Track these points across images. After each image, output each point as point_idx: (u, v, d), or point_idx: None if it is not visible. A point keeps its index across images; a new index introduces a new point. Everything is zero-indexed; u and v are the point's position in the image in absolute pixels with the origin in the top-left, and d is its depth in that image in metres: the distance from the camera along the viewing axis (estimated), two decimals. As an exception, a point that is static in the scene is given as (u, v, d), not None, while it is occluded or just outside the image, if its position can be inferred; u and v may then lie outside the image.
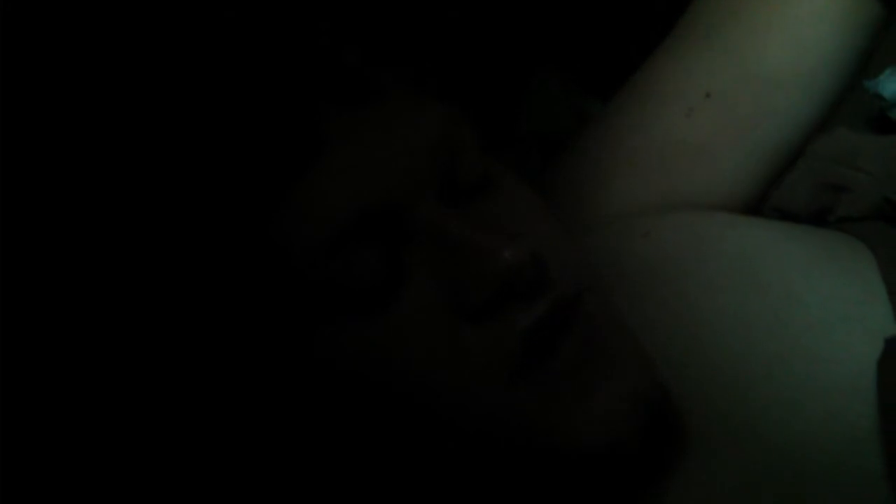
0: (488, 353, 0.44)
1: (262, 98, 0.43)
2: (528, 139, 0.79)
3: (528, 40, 0.82)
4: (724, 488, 0.48)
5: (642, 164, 0.60)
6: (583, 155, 0.65)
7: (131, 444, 0.46)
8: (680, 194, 0.59)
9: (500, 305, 0.44)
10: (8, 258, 0.43)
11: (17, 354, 0.44)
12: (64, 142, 0.43)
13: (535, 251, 0.44)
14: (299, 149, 0.43)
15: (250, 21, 0.45)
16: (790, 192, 0.62)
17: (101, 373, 0.45)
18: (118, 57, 0.44)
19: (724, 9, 0.58)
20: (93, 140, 0.43)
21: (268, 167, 0.42)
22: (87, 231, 0.43)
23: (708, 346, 0.52)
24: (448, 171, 0.45)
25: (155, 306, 0.44)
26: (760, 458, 0.49)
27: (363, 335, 0.43)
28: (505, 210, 0.47)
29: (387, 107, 0.45)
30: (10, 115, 0.43)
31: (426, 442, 0.45)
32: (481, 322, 0.44)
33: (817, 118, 0.59)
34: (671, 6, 0.65)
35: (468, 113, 0.48)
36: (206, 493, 0.46)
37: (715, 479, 0.49)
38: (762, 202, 0.63)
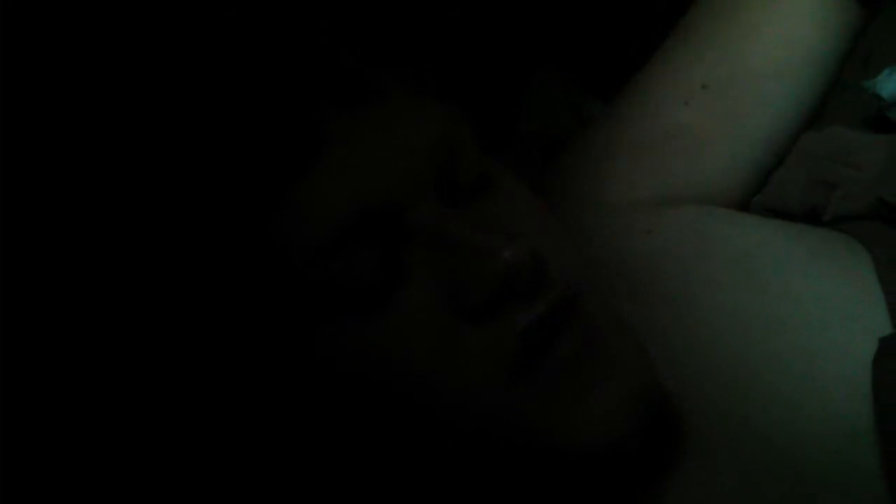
0: (488, 353, 0.44)
1: (263, 98, 0.43)
2: (529, 139, 0.79)
3: (528, 40, 0.82)
4: (724, 488, 0.48)
5: (640, 153, 0.61)
6: (582, 153, 0.65)
7: (131, 444, 0.46)
8: (678, 183, 0.60)
9: (500, 305, 0.44)
10: (8, 258, 0.43)
11: (17, 354, 0.44)
12: (64, 143, 0.43)
13: (535, 251, 0.44)
14: (299, 149, 0.43)
15: (250, 21, 0.45)
16: (783, 189, 0.62)
17: (101, 373, 0.45)
18: (118, 57, 0.44)
19: (719, 10, 0.62)
20: (92, 141, 0.43)
21: (268, 167, 0.42)
22: (88, 231, 0.43)
23: (707, 345, 0.52)
24: (448, 171, 0.45)
25: (155, 306, 0.44)
26: (760, 457, 0.49)
27: (363, 335, 0.43)
28: (504, 210, 0.47)
29: (386, 107, 0.45)
30: (11, 116, 0.43)
31: (426, 441, 0.45)
32: (481, 322, 0.44)
33: (805, 110, 0.62)
34: (671, 6, 0.67)
35: (468, 113, 0.48)
36: (207, 492, 0.47)
37: (715, 479, 0.49)
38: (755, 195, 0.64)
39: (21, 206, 0.43)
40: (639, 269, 0.57)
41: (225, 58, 0.44)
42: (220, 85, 0.43)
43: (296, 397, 0.45)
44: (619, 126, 0.64)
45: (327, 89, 0.44)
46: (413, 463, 0.46)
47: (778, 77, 0.60)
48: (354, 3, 0.56)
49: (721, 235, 0.58)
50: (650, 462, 0.49)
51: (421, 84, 0.49)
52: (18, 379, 0.44)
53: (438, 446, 0.45)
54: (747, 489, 0.48)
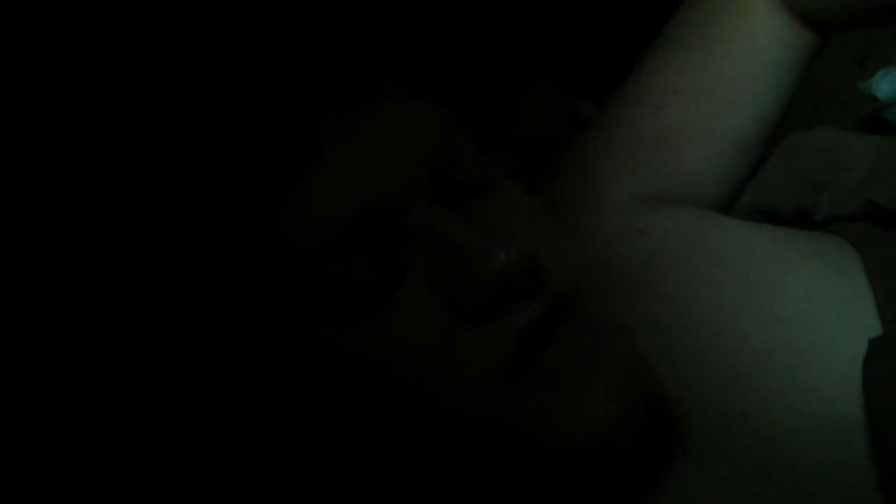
0: (486, 353, 0.44)
1: (263, 98, 0.43)
2: (528, 142, 0.80)
3: (527, 44, 0.83)
4: (724, 486, 0.48)
5: (624, 155, 0.64)
6: (576, 155, 0.67)
7: (131, 444, 0.46)
8: (661, 183, 0.63)
9: (499, 306, 0.44)
10: (8, 259, 0.43)
11: (17, 355, 0.44)
12: (63, 144, 0.43)
13: (532, 251, 0.44)
14: (299, 149, 0.43)
15: (250, 21, 0.45)
16: (774, 190, 0.63)
17: (101, 373, 0.45)
18: (117, 58, 0.44)
19: (688, 24, 0.66)
20: (92, 141, 0.43)
21: (268, 167, 0.42)
22: (88, 232, 0.43)
23: (706, 344, 0.53)
24: (444, 172, 0.45)
25: (156, 307, 0.44)
26: (758, 455, 0.49)
27: (362, 335, 0.43)
28: (501, 211, 0.47)
29: (384, 108, 0.45)
30: (11, 116, 0.43)
31: (426, 441, 0.45)
32: (480, 322, 0.44)
33: (772, 114, 0.64)
34: (661, 15, 0.69)
35: (466, 115, 0.48)
36: (207, 493, 0.46)
37: (715, 477, 0.49)
38: (737, 198, 0.66)
39: (22, 207, 0.43)
40: (636, 269, 0.57)
41: (226, 58, 0.44)
42: (220, 85, 0.43)
43: (296, 397, 0.45)
44: (607, 130, 0.66)
45: (326, 90, 0.44)
46: (413, 462, 0.46)
47: (743, 82, 0.63)
48: (354, 3, 0.56)
49: (711, 236, 0.59)
50: (650, 461, 0.49)
51: (418, 86, 0.49)
52: (19, 379, 0.44)
53: (438, 446, 0.45)
54: (746, 486, 0.48)
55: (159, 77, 0.43)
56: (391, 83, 0.47)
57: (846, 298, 0.53)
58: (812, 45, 0.63)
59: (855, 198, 0.58)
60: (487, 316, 0.44)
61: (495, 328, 0.43)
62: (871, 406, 0.47)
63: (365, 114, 0.44)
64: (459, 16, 0.78)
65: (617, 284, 0.55)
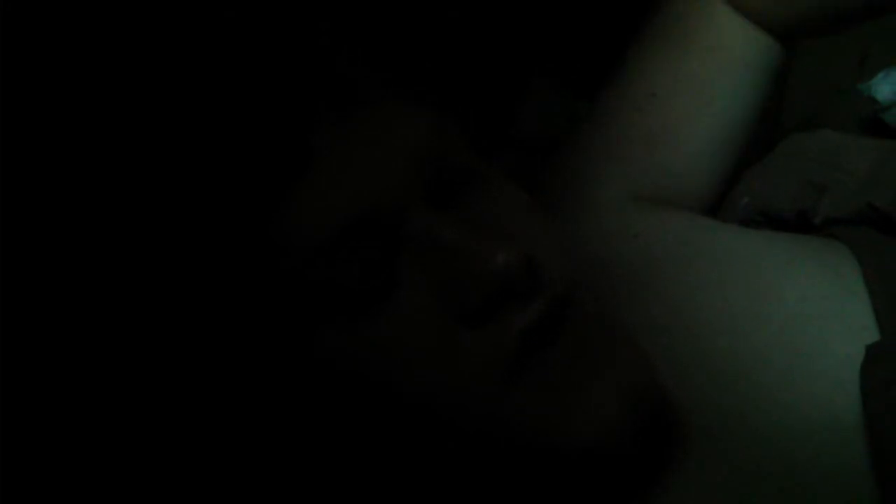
0: (486, 354, 0.44)
1: (262, 99, 0.43)
2: (528, 142, 0.80)
3: (527, 44, 0.83)
4: (725, 486, 0.49)
5: (609, 157, 0.65)
6: (563, 157, 0.68)
7: (132, 444, 0.46)
8: (647, 181, 0.64)
9: (497, 307, 0.44)
10: (8, 259, 0.43)
11: (17, 355, 0.44)
12: (62, 145, 0.43)
13: (530, 252, 0.44)
14: (298, 150, 0.43)
15: (250, 21, 0.45)
16: (774, 192, 0.63)
17: (101, 374, 0.45)
18: (117, 58, 0.44)
19: (659, 28, 0.67)
20: (91, 142, 0.43)
21: (267, 168, 0.42)
22: (87, 234, 0.43)
23: (706, 343, 0.53)
24: (444, 173, 0.45)
25: (156, 308, 0.44)
26: (756, 453, 0.49)
27: (362, 336, 0.43)
28: (500, 212, 0.47)
29: (384, 109, 0.45)
30: (10, 116, 0.43)
31: (426, 442, 0.45)
32: (479, 323, 0.44)
33: (747, 112, 0.66)
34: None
35: (466, 116, 0.48)
36: (207, 493, 0.46)
37: (716, 476, 0.49)
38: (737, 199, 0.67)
39: (21, 208, 0.43)
40: (635, 270, 0.57)
41: (225, 58, 0.44)
42: (219, 85, 0.43)
43: (296, 397, 0.45)
44: (593, 131, 0.67)
45: (326, 90, 0.44)
46: (413, 462, 0.46)
47: (713, 83, 0.65)
48: (354, 3, 0.56)
49: (704, 239, 0.59)
50: (650, 461, 0.49)
51: (417, 86, 0.49)
52: (19, 379, 0.44)
53: (438, 446, 0.45)
54: (746, 486, 0.48)
55: (159, 77, 0.43)
56: (391, 83, 0.47)
57: (842, 301, 0.53)
58: (776, 51, 0.65)
59: (854, 200, 0.58)
60: (487, 317, 0.44)
61: (495, 329, 0.43)
62: (870, 410, 0.48)
63: (365, 114, 0.44)
64: (459, 16, 0.78)
65: (616, 285, 0.55)
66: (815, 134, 0.65)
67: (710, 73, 0.65)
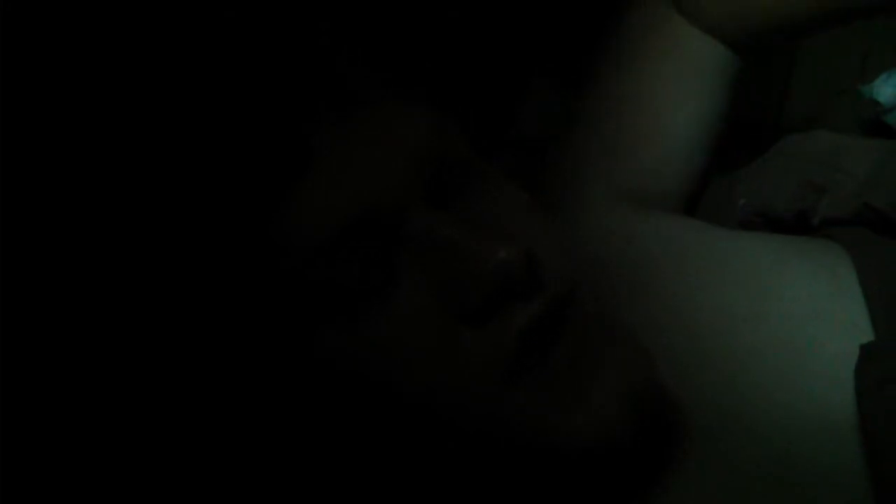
0: (486, 353, 0.44)
1: (262, 99, 0.43)
2: (528, 142, 0.80)
3: (526, 44, 0.83)
4: (724, 486, 0.49)
5: (595, 158, 0.67)
6: (559, 156, 0.69)
7: (132, 444, 0.46)
8: (632, 181, 0.65)
9: (498, 306, 0.44)
10: (8, 259, 0.43)
11: (18, 355, 0.44)
12: (62, 146, 0.43)
13: (530, 251, 0.44)
14: (298, 150, 0.43)
15: (250, 22, 0.45)
16: (772, 193, 0.63)
17: (102, 373, 0.45)
18: (116, 59, 0.44)
19: (622, 37, 0.69)
20: (91, 142, 0.43)
21: (267, 168, 0.42)
22: (88, 234, 0.43)
23: (706, 343, 0.53)
24: (443, 172, 0.45)
25: (157, 308, 0.44)
26: (755, 453, 0.49)
27: (362, 335, 0.43)
28: (500, 211, 0.47)
29: (384, 108, 0.46)
30: (9, 116, 0.43)
31: (426, 441, 0.45)
32: (479, 323, 0.44)
33: (716, 113, 0.67)
34: None
35: (466, 116, 0.48)
36: (207, 493, 0.46)
37: (716, 476, 0.49)
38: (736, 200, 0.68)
39: (20, 208, 0.43)
40: (634, 270, 0.58)
41: (225, 58, 0.44)
42: (219, 86, 0.43)
43: (296, 397, 0.45)
44: (579, 134, 0.69)
45: (326, 91, 0.45)
46: (413, 462, 0.46)
47: (674, 86, 0.67)
48: (354, 3, 0.56)
49: (700, 240, 0.60)
50: (650, 461, 0.49)
51: (417, 86, 0.49)
52: (19, 379, 0.44)
53: (438, 446, 0.45)
54: (745, 486, 0.48)
55: (159, 77, 0.43)
56: (391, 83, 0.47)
57: (837, 300, 0.53)
58: (730, 59, 0.66)
59: (853, 201, 0.58)
60: (487, 316, 0.44)
61: (495, 328, 0.44)
62: (864, 410, 0.48)
63: (364, 114, 0.45)
64: (459, 16, 0.78)
65: (616, 285, 0.55)
66: (814, 134, 0.65)
67: (669, 77, 0.66)
